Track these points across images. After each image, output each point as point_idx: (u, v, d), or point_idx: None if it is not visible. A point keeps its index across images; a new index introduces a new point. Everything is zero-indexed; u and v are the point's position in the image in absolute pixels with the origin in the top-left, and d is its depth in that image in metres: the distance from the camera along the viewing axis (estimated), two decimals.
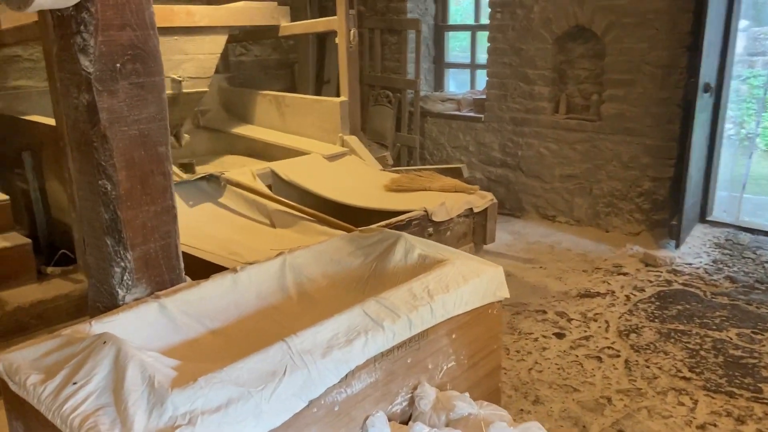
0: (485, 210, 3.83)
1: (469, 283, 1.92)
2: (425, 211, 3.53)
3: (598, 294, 3.88)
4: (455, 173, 4.32)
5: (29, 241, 3.30)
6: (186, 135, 4.41)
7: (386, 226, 3.34)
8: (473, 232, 3.88)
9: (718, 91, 4.65)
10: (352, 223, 3.80)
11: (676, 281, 4.01)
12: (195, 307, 1.81)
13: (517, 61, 5.27)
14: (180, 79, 4.17)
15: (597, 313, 3.62)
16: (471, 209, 3.77)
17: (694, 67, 4.20)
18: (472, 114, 5.75)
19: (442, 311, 1.83)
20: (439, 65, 6.33)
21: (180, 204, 3.43)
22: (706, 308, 3.63)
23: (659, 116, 4.61)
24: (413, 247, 2.12)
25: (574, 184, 5.18)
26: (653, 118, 4.63)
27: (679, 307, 3.66)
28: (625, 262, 4.37)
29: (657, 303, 3.72)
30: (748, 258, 4.33)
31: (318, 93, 6.39)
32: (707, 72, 4.25)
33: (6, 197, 3.36)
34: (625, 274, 4.17)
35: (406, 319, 1.70)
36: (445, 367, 1.89)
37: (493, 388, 2.13)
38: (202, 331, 1.79)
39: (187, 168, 4.36)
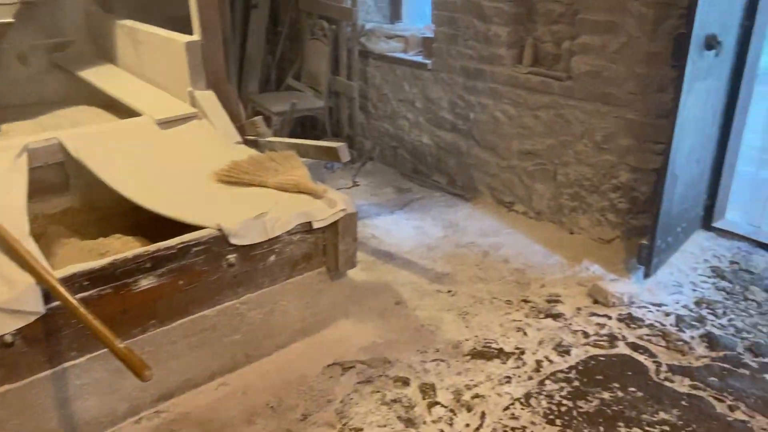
0: (336, 224, 2.60)
1: None
2: (219, 230, 2.34)
3: (500, 353, 2.63)
4: (330, 155, 3.05)
5: None
6: None
7: (150, 255, 2.20)
8: (323, 253, 2.67)
9: (741, 46, 3.12)
10: (156, 231, 2.67)
11: (624, 338, 2.70)
12: None
13: None
14: None
15: (477, 395, 2.39)
16: (310, 223, 2.55)
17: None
18: (417, 59, 4.35)
19: None
20: None
21: None
22: (647, 401, 2.34)
23: (647, 79, 3.14)
24: None
25: (534, 165, 3.81)
26: (638, 81, 3.16)
27: (606, 395, 2.38)
28: (569, 292, 3.07)
29: (576, 382, 2.44)
30: (752, 300, 2.95)
31: (244, 22, 5.08)
32: (711, 17, 2.75)
33: None
34: (556, 316, 2.88)
35: None
36: None
37: None
38: None
39: None
